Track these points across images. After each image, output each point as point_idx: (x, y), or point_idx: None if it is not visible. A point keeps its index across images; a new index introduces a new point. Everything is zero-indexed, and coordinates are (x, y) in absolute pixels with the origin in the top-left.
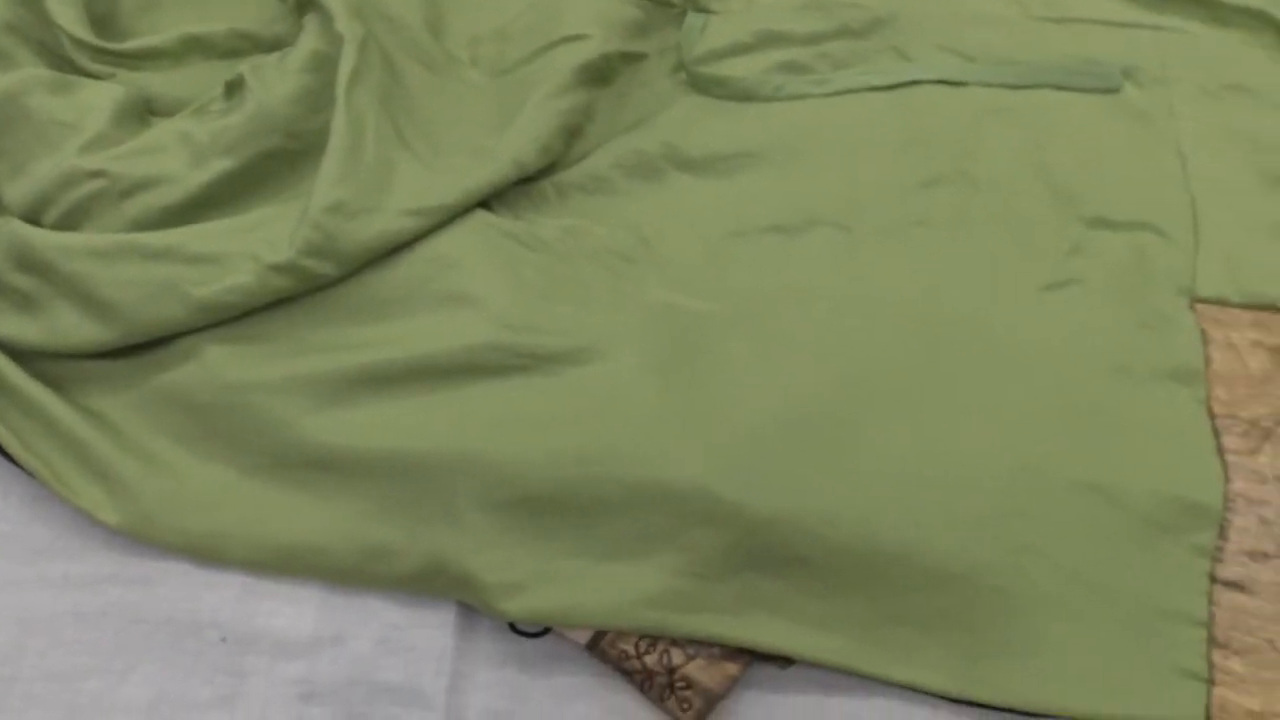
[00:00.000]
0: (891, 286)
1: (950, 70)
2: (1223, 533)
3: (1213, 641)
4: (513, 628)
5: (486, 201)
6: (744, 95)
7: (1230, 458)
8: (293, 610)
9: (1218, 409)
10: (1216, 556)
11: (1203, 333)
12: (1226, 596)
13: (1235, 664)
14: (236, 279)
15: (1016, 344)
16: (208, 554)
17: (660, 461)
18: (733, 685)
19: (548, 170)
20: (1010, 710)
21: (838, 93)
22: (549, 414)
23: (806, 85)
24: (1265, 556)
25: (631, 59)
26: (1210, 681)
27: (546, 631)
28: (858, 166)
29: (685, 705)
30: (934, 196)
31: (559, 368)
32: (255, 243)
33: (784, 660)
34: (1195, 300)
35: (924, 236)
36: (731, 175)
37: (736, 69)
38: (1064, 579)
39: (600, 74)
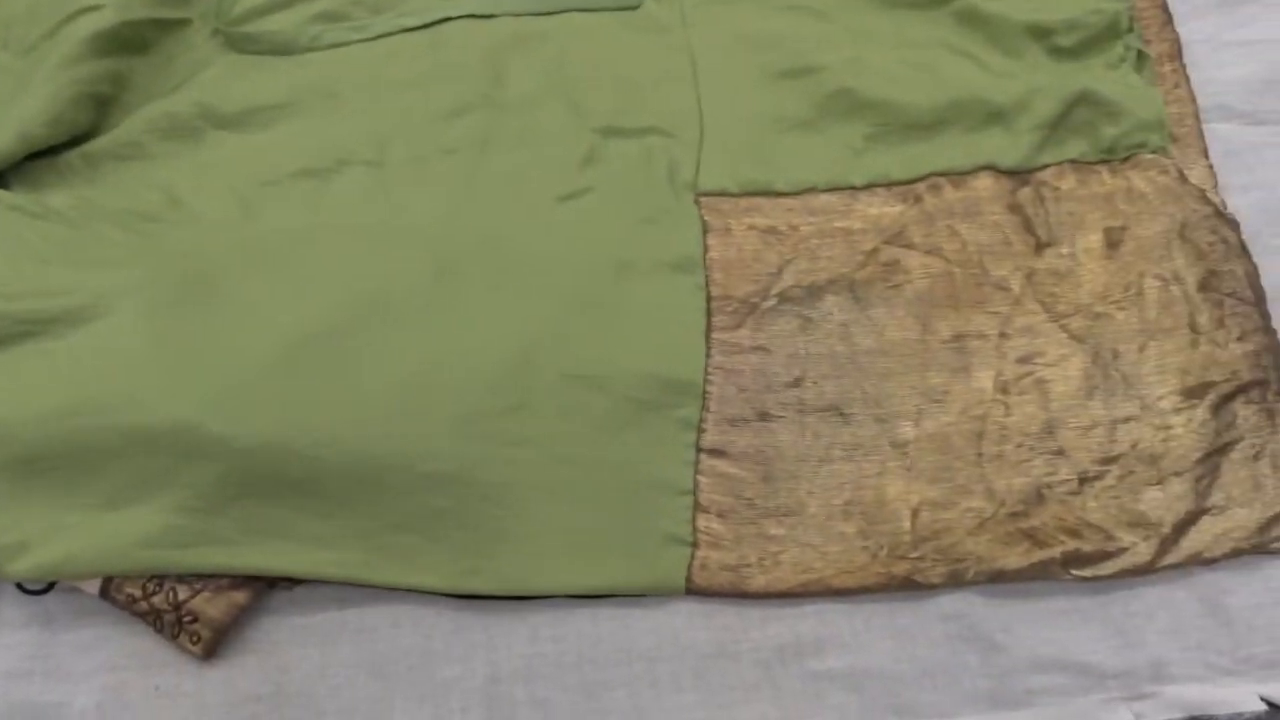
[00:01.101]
0: (418, 214)
1: (479, 4)
2: (705, 404)
3: (698, 507)
4: (21, 588)
5: (4, 179)
6: (282, 48)
7: (716, 335)
8: None
9: (715, 292)
10: (700, 428)
11: (704, 223)
12: (710, 464)
13: (716, 525)
14: None
15: (529, 254)
16: None
17: (149, 405)
18: (239, 613)
19: (75, 141)
20: (510, 597)
21: (375, 37)
22: (46, 376)
23: (344, 33)
24: (743, 421)
25: (170, 25)
26: (694, 544)
27: (51, 587)
28: (388, 105)
29: (194, 639)
30: (461, 125)
31: (60, 329)
32: None
33: (293, 581)
34: (699, 194)
35: (451, 164)
36: (267, 127)
37: (274, 24)
38: (555, 466)
39: (126, 42)
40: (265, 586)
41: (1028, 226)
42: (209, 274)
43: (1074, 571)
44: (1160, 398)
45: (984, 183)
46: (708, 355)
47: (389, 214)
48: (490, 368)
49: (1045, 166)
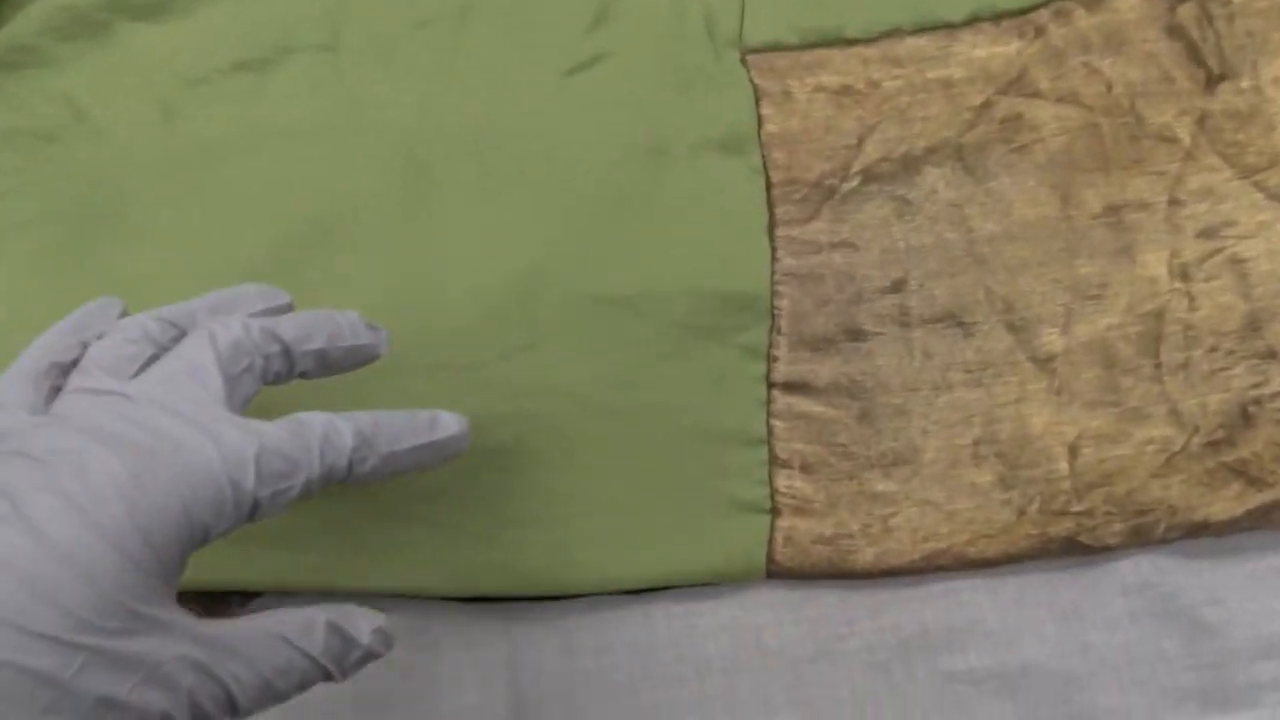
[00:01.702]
0: (385, 107)
1: None
2: (775, 324)
3: (775, 461)
4: None
5: None
6: None
7: (782, 232)
8: None
9: (776, 176)
10: (772, 355)
11: (755, 88)
12: (787, 402)
13: (802, 483)
14: None
15: (529, 145)
16: None
17: None
18: None
19: None
20: (535, 598)
21: None
22: None
23: None
24: (828, 343)
25: None
26: (774, 511)
27: None
28: None
29: None
30: None
31: None
32: None
33: (247, 595)
34: (746, 51)
35: (423, 40)
36: (190, 12)
37: None
38: (583, 419)
39: None
40: (211, 603)
41: (1194, 55)
42: (120, 201)
43: None
44: None
45: (1130, 1)
46: (774, 259)
47: (348, 110)
48: (488, 296)
49: None
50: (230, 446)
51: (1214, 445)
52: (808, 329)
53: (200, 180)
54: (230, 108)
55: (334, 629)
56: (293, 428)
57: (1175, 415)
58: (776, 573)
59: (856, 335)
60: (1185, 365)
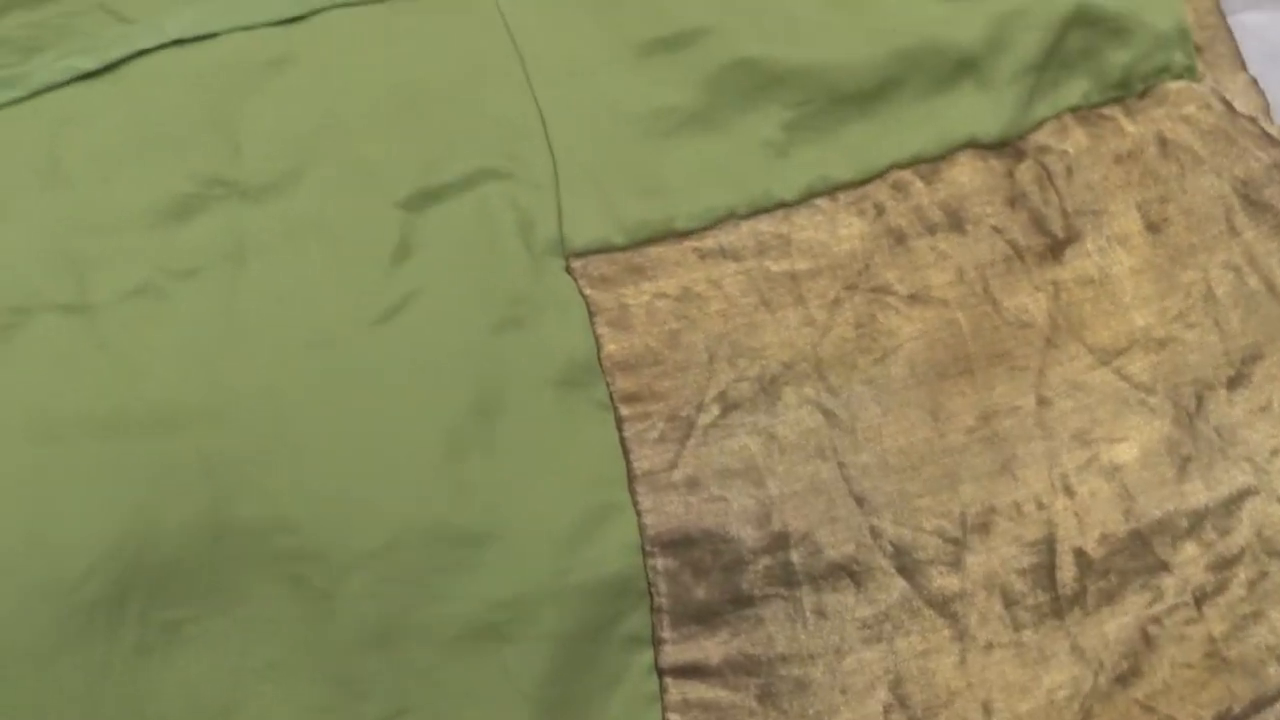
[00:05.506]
0: (156, 382)
1: (191, 21)
2: (654, 603)
3: None
4: None
5: None
6: None
7: (641, 486)
8: None
9: (626, 411)
10: (658, 639)
11: (587, 302)
12: (680, 691)
13: None
14: None
15: (334, 420)
16: None
17: None
18: None
19: None
20: None
21: (34, 93)
22: None
23: None
24: (714, 616)
25: None
26: None
27: None
28: (75, 205)
29: None
30: (196, 229)
31: None
32: None
33: None
34: (571, 255)
35: (192, 293)
36: None
37: None
38: None
39: None
40: None
41: (1037, 222)
42: None
43: None
44: (1276, 451)
45: (966, 168)
46: (641, 524)
47: (113, 387)
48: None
49: (1040, 124)
50: None
51: (1121, 680)
52: (690, 602)
53: None
54: None
55: None
56: None
57: (1078, 651)
58: None
59: (743, 601)
60: (1081, 595)
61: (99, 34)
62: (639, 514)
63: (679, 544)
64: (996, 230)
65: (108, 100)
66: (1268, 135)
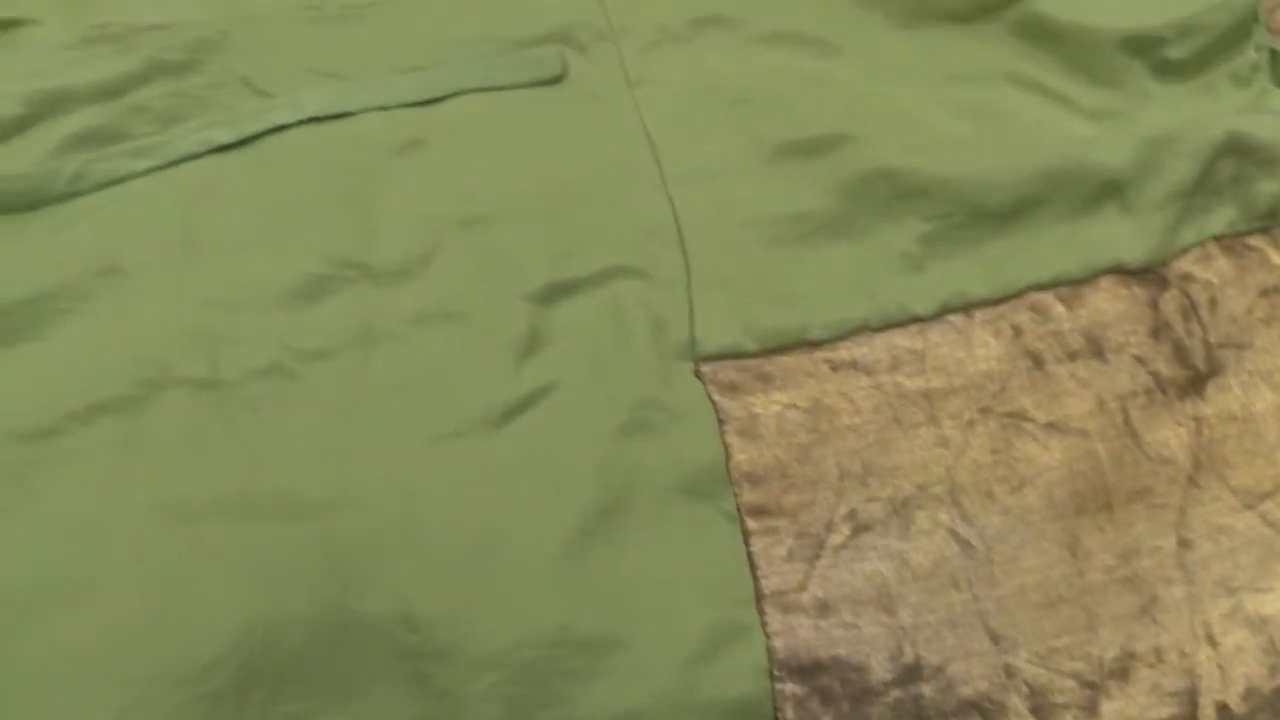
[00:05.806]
0: (281, 473)
1: (328, 98)
2: None
3: None
4: None
5: None
6: (28, 200)
7: (770, 606)
8: None
9: (754, 525)
10: None
11: (716, 409)
12: None
13: None
14: None
15: (457, 518)
16: None
17: None
18: None
19: None
20: None
21: (169, 164)
22: None
23: (122, 161)
24: None
25: None
26: None
27: None
28: (207, 279)
29: None
30: (322, 312)
31: None
32: None
33: None
34: (700, 360)
35: (323, 376)
36: (31, 338)
37: (8, 159)
38: None
39: None
40: None
41: (1180, 353)
42: None
43: None
44: None
45: (1108, 294)
46: (770, 646)
47: (241, 469)
48: None
49: (1184, 251)
50: None
51: None
52: None
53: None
54: (93, 468)
55: None
56: None
57: None
58: None
59: None
60: None
61: (238, 107)
62: (768, 635)
63: (808, 670)
64: (1139, 360)
65: (243, 174)
66: None
